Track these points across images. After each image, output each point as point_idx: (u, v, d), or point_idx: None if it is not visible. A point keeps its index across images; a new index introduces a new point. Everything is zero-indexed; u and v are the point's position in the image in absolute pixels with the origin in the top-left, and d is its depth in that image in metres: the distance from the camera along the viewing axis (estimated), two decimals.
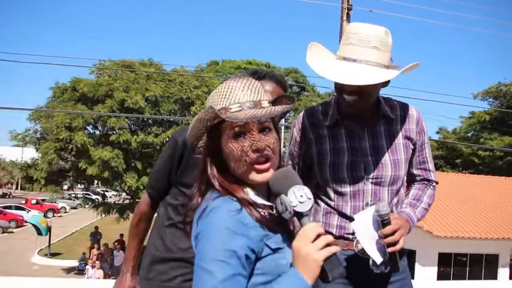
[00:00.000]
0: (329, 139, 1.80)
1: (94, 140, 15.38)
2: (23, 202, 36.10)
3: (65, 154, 14.98)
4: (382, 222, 1.57)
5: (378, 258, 1.62)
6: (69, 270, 19.18)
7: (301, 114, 1.92)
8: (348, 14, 8.01)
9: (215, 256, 1.00)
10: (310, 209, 1.14)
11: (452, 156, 35.75)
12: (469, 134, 33.87)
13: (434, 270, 14.86)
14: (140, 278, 1.89)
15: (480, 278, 14.36)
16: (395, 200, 1.80)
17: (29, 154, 59.53)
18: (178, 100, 14.36)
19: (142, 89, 13.92)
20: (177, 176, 1.84)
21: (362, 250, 1.67)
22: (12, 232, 27.78)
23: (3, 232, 26.91)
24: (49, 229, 20.88)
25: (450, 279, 13.77)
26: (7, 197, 46.52)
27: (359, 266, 1.67)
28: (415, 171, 1.87)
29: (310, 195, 1.13)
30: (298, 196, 1.12)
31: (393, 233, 1.57)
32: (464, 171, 32.70)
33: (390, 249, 1.58)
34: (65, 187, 20.96)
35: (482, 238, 14.49)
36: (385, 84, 1.72)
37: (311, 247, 1.06)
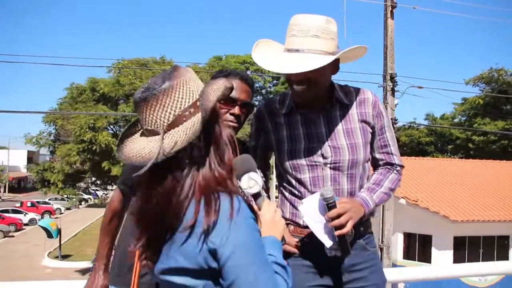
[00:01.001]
0: (286, 127, 1.82)
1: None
2: (18, 205, 35.46)
3: (88, 155, 14.84)
4: (327, 205, 1.59)
5: (327, 242, 1.63)
6: (83, 272, 19.13)
7: (260, 105, 1.98)
8: (392, 11, 8.23)
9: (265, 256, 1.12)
10: (259, 192, 1.34)
11: (442, 141, 36.77)
12: (463, 119, 34.76)
13: (450, 253, 15.42)
14: (111, 275, 1.89)
15: (492, 259, 15.00)
16: (357, 184, 1.81)
17: (15, 156, 58.33)
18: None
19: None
20: None
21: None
22: (13, 236, 27.38)
23: (4, 237, 26.53)
24: (59, 232, 20.74)
25: (465, 262, 14.35)
26: None
27: (321, 251, 1.69)
28: (377, 155, 1.87)
29: (260, 180, 1.34)
30: (248, 181, 1.33)
31: (338, 216, 1.59)
32: (453, 156, 33.67)
33: (336, 232, 1.59)
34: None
35: (495, 220, 15.12)
36: (334, 70, 1.75)
37: (276, 216, 1.31)
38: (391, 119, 8.27)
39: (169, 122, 1.10)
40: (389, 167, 1.87)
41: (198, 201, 1.07)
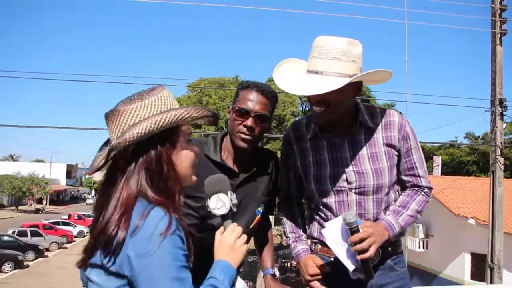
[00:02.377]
0: (312, 152, 1.82)
1: None
2: (66, 217, 36.53)
3: None
4: (350, 230, 1.58)
5: (349, 265, 1.63)
6: None
7: (288, 127, 1.96)
8: (500, 38, 8.51)
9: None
10: (226, 214, 1.35)
11: (484, 161, 36.18)
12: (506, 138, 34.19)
13: None
14: None
15: None
16: (383, 208, 1.79)
17: (54, 169, 59.97)
18: (275, 117, 14.82)
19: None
20: None
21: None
22: (67, 247, 28.15)
23: (59, 248, 27.29)
24: None
25: None
26: (40, 212, 46.88)
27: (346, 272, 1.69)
28: (404, 178, 1.84)
29: (228, 202, 1.35)
30: (216, 202, 1.35)
31: (361, 241, 1.58)
32: None
33: (359, 257, 1.58)
34: None
35: None
36: (356, 93, 1.74)
37: (238, 242, 1.30)
38: (501, 143, 8.49)
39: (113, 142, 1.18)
40: (416, 189, 1.84)
41: (123, 211, 1.10)
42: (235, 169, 1.88)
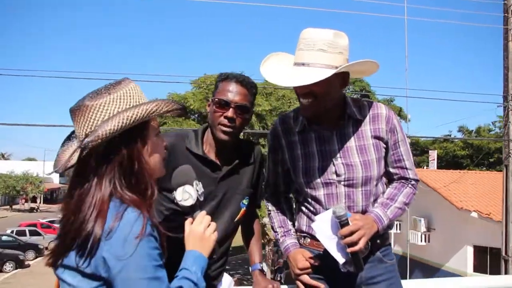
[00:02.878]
0: (300, 145, 1.82)
1: None
2: None
3: None
4: (340, 223, 1.59)
5: (339, 258, 1.64)
6: None
7: (276, 121, 1.95)
8: None
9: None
10: (194, 205, 1.36)
11: (478, 155, 36.61)
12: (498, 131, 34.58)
13: None
14: None
15: None
16: (372, 200, 1.79)
17: (48, 168, 59.41)
18: (281, 112, 14.80)
19: None
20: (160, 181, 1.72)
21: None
22: None
23: None
24: None
25: None
26: (35, 211, 46.51)
27: (337, 264, 1.69)
28: (391, 170, 1.84)
29: (194, 193, 1.36)
30: (182, 194, 1.37)
31: (351, 234, 1.59)
32: (491, 170, 33.48)
33: (349, 250, 1.59)
34: None
35: None
36: (342, 85, 1.73)
37: (207, 231, 1.33)
38: None
39: (81, 139, 1.14)
40: (403, 181, 1.84)
41: (98, 213, 1.09)
42: (218, 162, 1.86)
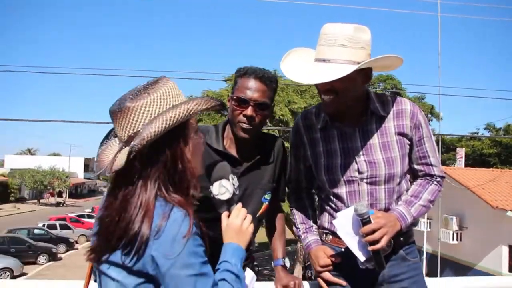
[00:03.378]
0: (322, 142, 1.79)
1: None
2: (89, 210, 37.00)
3: None
4: (361, 221, 1.57)
5: (360, 256, 1.63)
6: None
7: (298, 117, 1.91)
8: None
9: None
10: (230, 199, 1.40)
11: (506, 153, 35.83)
12: None
13: None
14: None
15: None
16: (395, 197, 1.76)
17: (72, 163, 60.59)
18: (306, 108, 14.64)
19: (285, 101, 14.50)
20: None
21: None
22: None
23: (87, 241, 27.66)
24: None
25: None
26: (61, 205, 47.54)
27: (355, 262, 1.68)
28: (416, 167, 1.80)
29: (230, 188, 1.42)
30: (219, 188, 1.41)
31: (373, 232, 1.57)
32: None
33: (370, 248, 1.57)
34: None
35: None
36: (365, 80, 1.69)
37: (244, 224, 1.37)
38: None
39: (124, 140, 1.16)
40: (428, 178, 1.81)
41: (145, 213, 1.11)
42: (238, 157, 1.83)
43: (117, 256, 1.13)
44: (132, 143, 1.10)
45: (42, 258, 21.61)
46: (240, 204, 1.41)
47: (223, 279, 1.23)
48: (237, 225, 1.36)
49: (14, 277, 17.61)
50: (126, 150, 1.12)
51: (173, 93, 1.18)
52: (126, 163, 1.10)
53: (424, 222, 18.72)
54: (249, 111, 1.74)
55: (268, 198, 1.89)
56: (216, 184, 1.44)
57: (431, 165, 1.79)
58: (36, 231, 24.51)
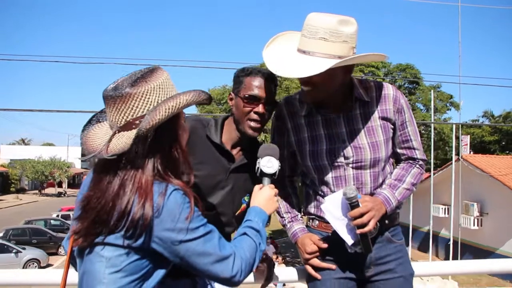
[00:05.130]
0: (307, 128, 1.80)
1: None
2: None
3: None
4: (350, 204, 1.59)
5: (348, 239, 1.65)
6: None
7: (281, 103, 1.89)
8: None
9: None
10: (272, 174, 1.56)
11: (507, 140, 36.44)
12: None
13: None
14: None
15: None
16: (380, 181, 1.79)
17: (70, 153, 59.88)
18: None
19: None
20: None
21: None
22: None
23: None
24: None
25: None
26: (63, 196, 47.20)
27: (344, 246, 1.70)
28: (399, 150, 1.84)
29: (276, 166, 1.56)
30: (268, 162, 1.56)
31: (361, 216, 1.60)
32: None
33: (358, 231, 1.60)
34: None
35: None
36: (347, 72, 1.70)
37: (273, 198, 1.51)
38: None
39: (120, 125, 1.20)
40: (411, 161, 1.85)
41: (145, 195, 1.15)
42: (232, 153, 1.86)
43: (117, 238, 1.15)
44: (140, 126, 1.14)
45: (63, 249, 21.49)
46: (273, 185, 1.57)
47: (245, 233, 1.35)
48: (269, 194, 1.51)
49: (41, 267, 17.58)
50: (124, 134, 1.17)
51: (169, 84, 1.25)
52: (131, 146, 1.15)
53: (443, 208, 19.09)
54: (260, 108, 1.78)
55: (247, 200, 1.86)
56: (266, 157, 1.57)
57: (414, 148, 1.84)
58: (52, 221, 24.43)
